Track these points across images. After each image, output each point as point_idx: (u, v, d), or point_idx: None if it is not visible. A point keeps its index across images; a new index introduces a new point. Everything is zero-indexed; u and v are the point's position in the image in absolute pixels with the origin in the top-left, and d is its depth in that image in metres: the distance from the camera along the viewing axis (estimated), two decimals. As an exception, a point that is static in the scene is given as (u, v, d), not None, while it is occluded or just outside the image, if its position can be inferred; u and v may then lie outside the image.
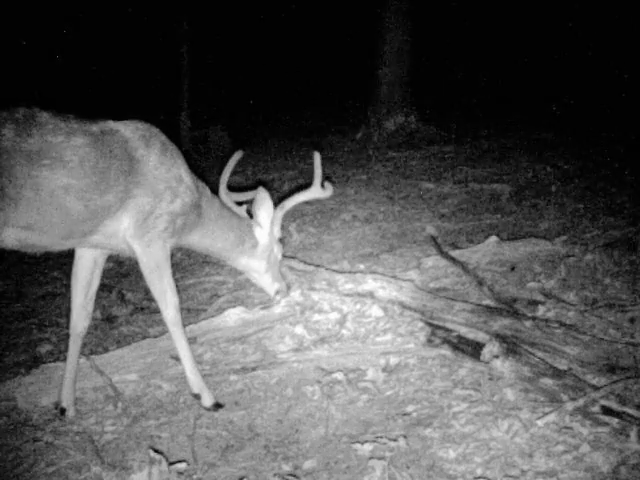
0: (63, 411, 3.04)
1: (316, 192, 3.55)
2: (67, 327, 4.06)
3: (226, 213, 3.40)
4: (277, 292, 3.66)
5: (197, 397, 3.07)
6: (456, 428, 2.77)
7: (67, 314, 4.26)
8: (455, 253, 4.56)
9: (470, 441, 2.67)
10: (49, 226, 2.72)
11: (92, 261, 3.14)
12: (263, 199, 3.45)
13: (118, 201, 2.85)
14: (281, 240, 3.69)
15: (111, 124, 2.90)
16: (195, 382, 3.07)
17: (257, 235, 3.51)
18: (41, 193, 2.63)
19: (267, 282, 3.65)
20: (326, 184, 3.55)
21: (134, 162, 2.88)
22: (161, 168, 2.95)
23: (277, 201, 3.60)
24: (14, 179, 2.55)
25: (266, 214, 3.48)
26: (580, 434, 2.62)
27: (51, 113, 2.73)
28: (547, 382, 2.92)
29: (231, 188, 3.56)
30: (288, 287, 3.72)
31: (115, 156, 2.82)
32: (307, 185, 3.60)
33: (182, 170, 3.05)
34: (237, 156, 3.44)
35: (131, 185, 2.87)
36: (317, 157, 3.47)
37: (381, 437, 2.73)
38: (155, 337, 3.61)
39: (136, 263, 4.90)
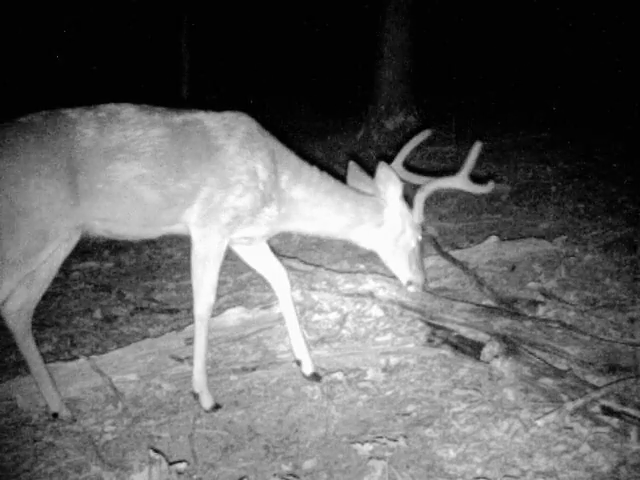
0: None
1: (459, 182, 3.16)
2: (67, 327, 4.07)
3: (337, 197, 3.15)
4: (409, 283, 3.30)
5: (196, 397, 3.07)
6: (456, 428, 2.77)
7: (66, 314, 4.27)
8: (455, 253, 4.56)
9: (470, 441, 2.67)
10: (127, 216, 2.82)
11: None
12: (387, 175, 3.13)
13: (194, 189, 2.86)
14: (422, 227, 3.36)
15: (197, 115, 2.93)
16: (199, 382, 3.06)
17: (385, 214, 3.21)
18: (115, 186, 2.73)
19: (397, 266, 3.29)
20: (489, 182, 3.17)
21: (212, 150, 2.88)
22: (237, 159, 2.90)
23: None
24: (89, 175, 2.68)
25: (392, 192, 3.16)
26: (580, 434, 2.62)
27: (137, 107, 2.82)
28: (547, 382, 2.92)
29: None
30: (425, 282, 3.32)
31: (192, 144, 2.84)
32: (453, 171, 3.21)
33: (259, 165, 2.95)
34: (425, 134, 3.18)
35: (206, 172, 2.87)
36: (477, 147, 3.09)
37: (381, 437, 2.73)
38: (155, 337, 3.61)
39: (136, 263, 4.88)
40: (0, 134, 2.65)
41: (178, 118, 2.88)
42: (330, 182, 3.19)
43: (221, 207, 2.92)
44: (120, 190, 2.75)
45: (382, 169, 3.14)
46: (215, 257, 2.98)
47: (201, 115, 2.94)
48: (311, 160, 3.24)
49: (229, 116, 2.98)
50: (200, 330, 3.04)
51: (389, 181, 3.15)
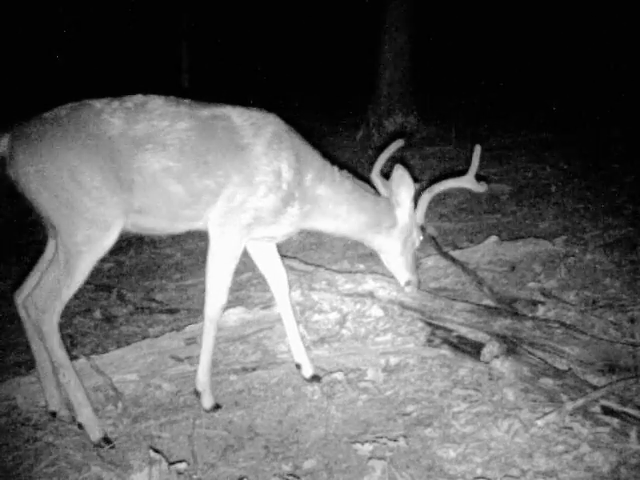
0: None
1: (468, 182, 3.32)
2: (67, 327, 4.07)
3: (357, 196, 3.22)
4: (407, 283, 3.43)
5: (198, 395, 3.06)
6: (456, 428, 2.77)
7: (66, 314, 4.26)
8: (455, 253, 4.56)
9: (470, 441, 2.67)
10: (156, 209, 2.84)
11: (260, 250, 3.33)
12: (401, 177, 3.20)
13: (218, 187, 2.85)
14: (422, 228, 3.49)
15: (225, 109, 2.91)
16: (202, 381, 3.06)
17: (397, 215, 3.30)
18: (145, 176, 2.74)
19: (399, 266, 3.40)
20: (481, 182, 3.36)
21: (238, 149, 2.87)
22: (263, 159, 2.89)
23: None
24: (124, 164, 2.70)
25: (405, 193, 3.25)
26: (580, 434, 2.62)
27: (164, 99, 2.82)
28: (547, 382, 2.92)
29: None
30: (419, 283, 3.51)
31: (218, 140, 2.84)
32: (460, 173, 3.39)
33: (284, 165, 2.94)
34: (398, 144, 3.24)
35: (231, 170, 2.86)
36: (478, 149, 3.26)
37: (381, 437, 2.73)
38: (155, 337, 3.61)
39: (136, 263, 4.87)
40: (27, 131, 2.65)
41: (205, 111, 2.86)
42: (350, 181, 3.25)
43: (243, 207, 2.91)
44: (149, 181, 2.76)
45: (397, 171, 3.20)
46: (231, 258, 2.97)
47: (228, 110, 2.92)
48: (332, 159, 3.28)
49: (257, 115, 2.96)
50: (209, 330, 3.03)
51: (403, 183, 3.22)
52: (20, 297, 2.94)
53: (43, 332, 2.72)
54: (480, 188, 3.35)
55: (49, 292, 2.72)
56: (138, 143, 2.72)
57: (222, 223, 2.92)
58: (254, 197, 2.91)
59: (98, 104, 2.74)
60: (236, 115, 2.91)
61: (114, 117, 2.70)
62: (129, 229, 2.91)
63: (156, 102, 2.80)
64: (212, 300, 2.99)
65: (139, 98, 2.80)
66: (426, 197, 3.37)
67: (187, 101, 2.88)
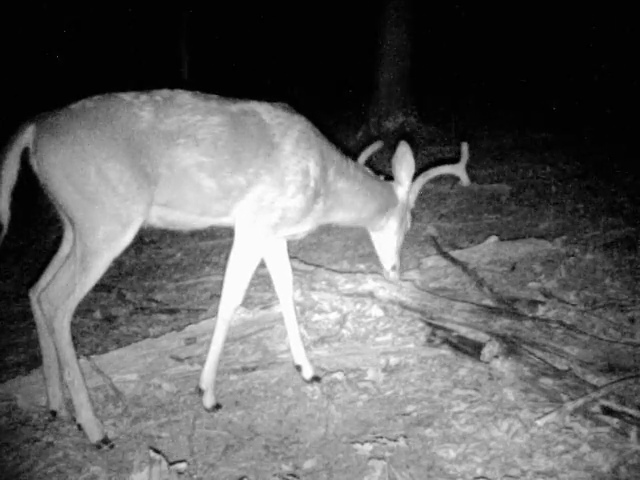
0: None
1: (459, 170, 3.47)
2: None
3: (369, 184, 3.29)
4: (393, 267, 3.53)
5: (200, 392, 3.06)
6: (456, 428, 2.77)
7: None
8: (455, 253, 4.56)
9: (470, 441, 2.67)
10: (186, 203, 2.82)
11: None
12: (404, 154, 3.29)
13: (248, 184, 2.85)
14: (412, 214, 3.57)
15: (252, 105, 2.91)
16: (207, 380, 3.06)
17: (398, 193, 3.39)
18: (176, 171, 2.71)
19: (390, 247, 3.49)
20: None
21: (269, 148, 2.86)
22: (292, 159, 2.90)
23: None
24: (152, 158, 2.65)
25: (406, 172, 3.34)
26: (580, 434, 2.62)
27: (191, 93, 2.79)
28: (547, 382, 2.92)
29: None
30: (402, 268, 3.61)
31: (250, 137, 2.83)
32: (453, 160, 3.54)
33: (311, 163, 2.96)
34: (377, 145, 3.45)
35: (262, 170, 2.86)
36: (465, 146, 3.45)
37: (381, 437, 2.73)
38: (155, 337, 3.61)
39: (136, 263, 4.88)
40: (53, 122, 2.58)
41: (234, 107, 2.85)
42: (361, 172, 3.30)
43: (272, 206, 2.90)
44: (180, 176, 2.73)
45: (401, 148, 3.28)
46: (254, 258, 2.97)
47: (255, 105, 2.91)
48: (346, 151, 3.32)
49: (283, 114, 2.95)
50: (220, 329, 3.02)
51: (405, 160, 3.31)
52: (35, 293, 2.93)
53: (54, 328, 2.71)
54: (467, 179, 3.52)
55: (64, 289, 2.70)
56: (170, 137, 2.68)
57: (251, 221, 2.92)
58: (283, 197, 2.91)
59: (127, 97, 2.68)
60: (264, 112, 2.90)
61: (144, 110, 2.65)
62: (154, 223, 2.89)
63: (184, 96, 2.76)
64: (228, 300, 2.99)
65: (166, 92, 2.75)
66: (420, 180, 3.45)
67: (214, 96, 2.86)
